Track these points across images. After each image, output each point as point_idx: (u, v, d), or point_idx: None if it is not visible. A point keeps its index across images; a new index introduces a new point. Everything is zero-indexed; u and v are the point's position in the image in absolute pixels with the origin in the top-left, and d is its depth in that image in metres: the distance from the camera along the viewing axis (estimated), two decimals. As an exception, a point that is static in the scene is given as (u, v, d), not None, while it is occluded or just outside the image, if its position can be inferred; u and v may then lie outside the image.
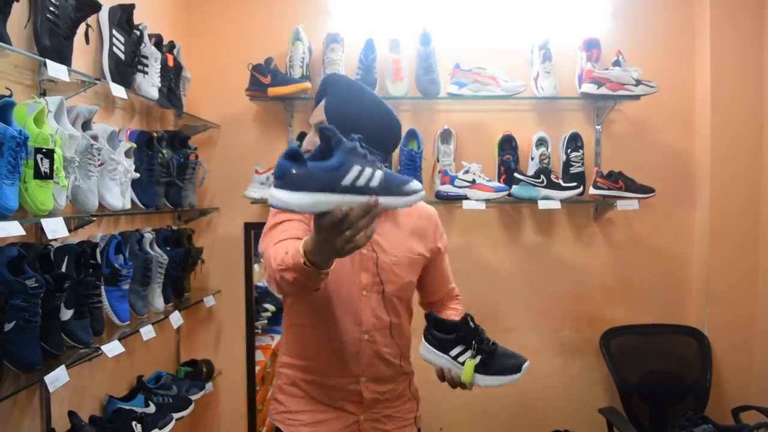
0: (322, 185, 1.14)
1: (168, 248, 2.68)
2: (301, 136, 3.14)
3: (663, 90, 2.98)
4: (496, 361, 1.65)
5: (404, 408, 1.87)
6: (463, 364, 1.64)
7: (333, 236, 1.20)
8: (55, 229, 1.78)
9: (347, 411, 1.78)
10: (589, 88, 2.96)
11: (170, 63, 2.69)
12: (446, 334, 1.69)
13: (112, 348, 2.09)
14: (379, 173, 1.20)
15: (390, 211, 1.70)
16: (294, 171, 1.13)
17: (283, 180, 1.13)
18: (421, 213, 1.86)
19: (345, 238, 1.20)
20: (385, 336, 1.77)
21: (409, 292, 1.86)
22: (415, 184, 1.28)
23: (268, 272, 1.51)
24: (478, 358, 1.63)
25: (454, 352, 1.66)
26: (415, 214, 1.84)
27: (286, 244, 1.48)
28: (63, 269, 1.95)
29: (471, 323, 1.67)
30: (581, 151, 3.08)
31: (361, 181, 1.17)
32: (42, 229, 1.76)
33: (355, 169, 1.17)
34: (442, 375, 1.69)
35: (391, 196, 1.23)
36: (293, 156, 1.14)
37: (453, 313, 1.90)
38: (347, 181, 1.16)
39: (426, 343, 1.70)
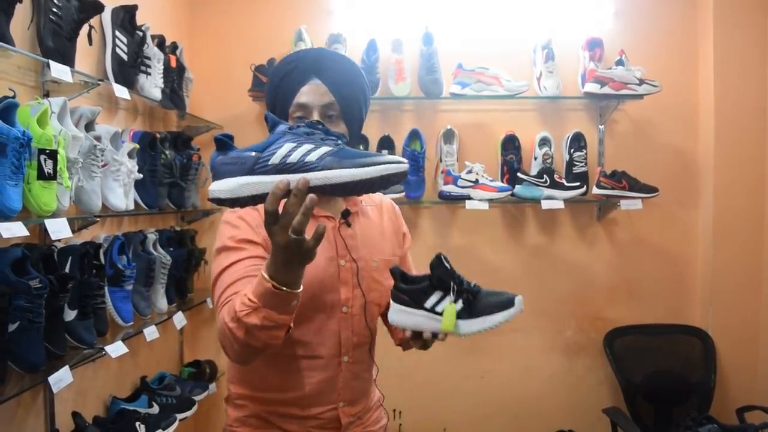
0: (247, 168, 1.08)
1: (171, 249, 2.68)
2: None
3: (666, 89, 2.98)
4: (481, 301, 1.34)
5: (374, 417, 1.70)
6: (441, 313, 1.34)
7: (281, 231, 1.10)
8: (59, 230, 1.78)
9: None
10: (592, 87, 2.95)
11: (173, 64, 2.69)
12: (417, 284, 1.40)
13: (116, 349, 2.09)
14: (324, 149, 1.09)
15: (360, 212, 1.59)
16: (220, 158, 1.09)
17: (213, 172, 1.09)
18: (385, 207, 1.72)
19: (282, 224, 1.10)
20: (364, 353, 1.61)
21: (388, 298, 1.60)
22: (386, 157, 1.11)
23: (222, 335, 1.31)
24: (460, 302, 1.33)
25: (431, 302, 1.35)
26: (384, 210, 1.71)
27: (238, 292, 1.31)
28: (66, 270, 1.95)
29: (446, 263, 1.36)
30: (584, 150, 3.08)
31: (294, 157, 1.08)
32: (45, 229, 1.77)
33: (287, 147, 1.09)
34: (417, 336, 1.39)
35: (339, 169, 1.08)
36: (220, 145, 1.10)
37: None
38: (275, 159, 1.08)
39: (395, 304, 1.39)
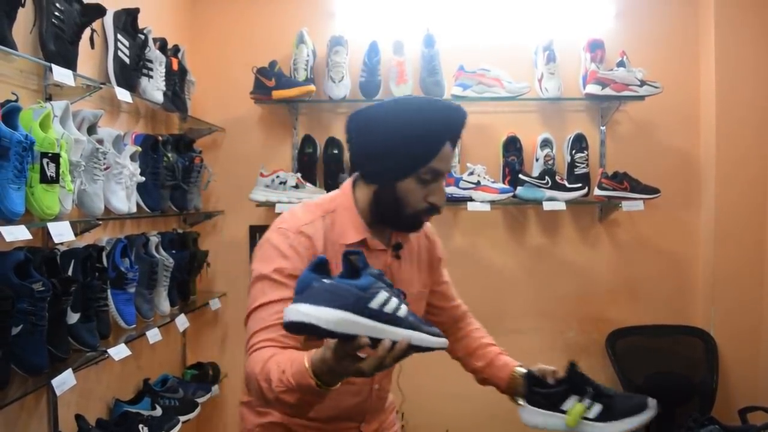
0: (348, 303, 1.05)
1: (173, 251, 2.69)
2: (308, 139, 3.15)
3: (668, 90, 2.98)
4: (617, 405, 1.50)
5: (389, 422, 1.74)
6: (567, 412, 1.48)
7: (352, 362, 1.11)
8: (62, 233, 1.79)
9: None
10: (593, 89, 2.95)
11: (175, 67, 2.70)
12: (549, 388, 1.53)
13: (119, 351, 2.09)
14: (404, 307, 1.12)
15: (405, 254, 1.58)
16: (318, 284, 1.06)
17: (305, 293, 1.05)
18: (422, 234, 1.68)
19: (371, 365, 1.09)
20: (388, 376, 1.66)
21: None
22: (436, 329, 1.16)
23: (252, 381, 1.29)
24: (598, 405, 1.49)
25: (567, 405, 1.50)
26: (422, 237, 1.69)
27: (278, 359, 1.26)
28: (69, 273, 1.96)
29: (580, 371, 1.52)
30: (586, 152, 3.08)
31: (389, 308, 1.09)
32: (48, 233, 1.78)
33: (383, 295, 1.08)
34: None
35: (418, 332, 1.12)
36: (319, 268, 1.08)
37: (479, 335, 1.77)
38: (375, 304, 1.07)
39: (530, 406, 1.51)
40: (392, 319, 1.08)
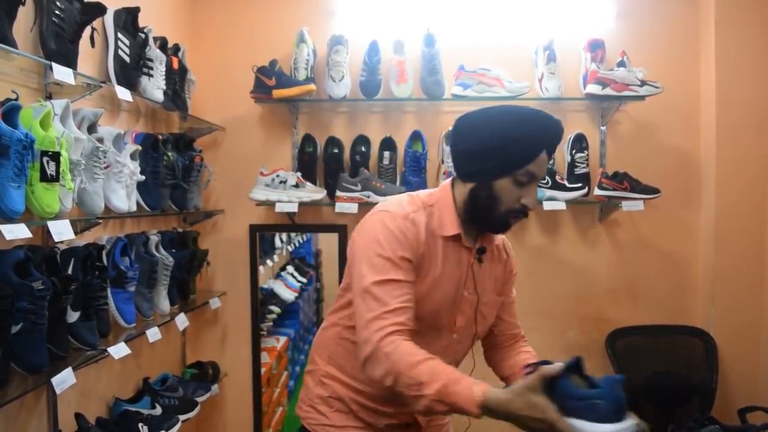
0: (599, 417, 1.29)
1: (173, 250, 2.69)
2: (309, 138, 3.15)
3: (668, 90, 2.98)
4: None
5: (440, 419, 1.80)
6: None
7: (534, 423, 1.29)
8: (62, 232, 1.79)
9: None
10: (593, 88, 2.95)
11: (175, 66, 2.70)
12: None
13: (119, 350, 2.10)
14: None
15: (487, 257, 1.69)
16: (578, 402, 1.27)
17: (566, 403, 1.29)
18: (502, 247, 1.79)
19: None
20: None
21: (487, 332, 1.81)
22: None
23: (390, 371, 1.41)
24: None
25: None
26: (501, 250, 1.79)
27: (433, 368, 1.40)
28: (69, 271, 1.96)
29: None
30: (586, 152, 3.08)
31: None
32: (48, 231, 1.78)
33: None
34: None
35: None
36: (573, 371, 1.32)
37: (528, 357, 1.80)
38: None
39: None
40: None
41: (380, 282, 1.48)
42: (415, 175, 3.00)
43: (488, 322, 1.75)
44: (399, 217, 1.55)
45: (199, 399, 2.77)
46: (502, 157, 1.52)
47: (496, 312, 1.78)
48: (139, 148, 2.34)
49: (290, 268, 3.88)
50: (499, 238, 1.78)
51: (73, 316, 1.95)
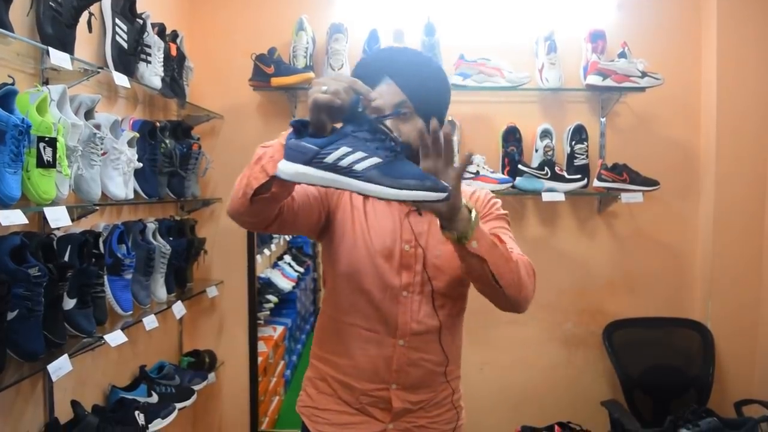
0: (306, 159, 1.18)
1: (171, 238, 2.68)
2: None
3: (669, 82, 2.97)
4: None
5: (442, 418, 1.70)
6: None
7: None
8: (58, 218, 1.77)
9: (374, 417, 1.64)
10: (594, 79, 2.94)
11: (173, 52, 2.68)
12: None
13: (115, 338, 2.09)
14: (373, 160, 1.17)
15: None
16: (292, 142, 1.21)
17: (284, 150, 1.22)
18: (475, 199, 1.65)
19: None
20: (430, 342, 1.62)
21: (461, 288, 1.66)
22: (426, 184, 1.15)
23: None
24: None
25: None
26: (472, 203, 1.62)
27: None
28: (66, 258, 1.95)
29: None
30: (586, 143, 3.07)
31: (345, 162, 1.17)
32: (45, 218, 1.76)
33: (343, 150, 1.17)
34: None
35: (378, 184, 1.16)
36: (294, 128, 1.22)
37: None
38: (330, 158, 1.18)
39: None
40: (346, 172, 1.17)
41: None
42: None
43: (449, 276, 1.60)
44: None
45: (196, 387, 2.77)
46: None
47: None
48: (137, 135, 2.33)
49: (287, 258, 3.88)
50: (468, 189, 1.65)
51: (69, 304, 1.94)
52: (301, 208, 1.52)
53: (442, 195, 1.16)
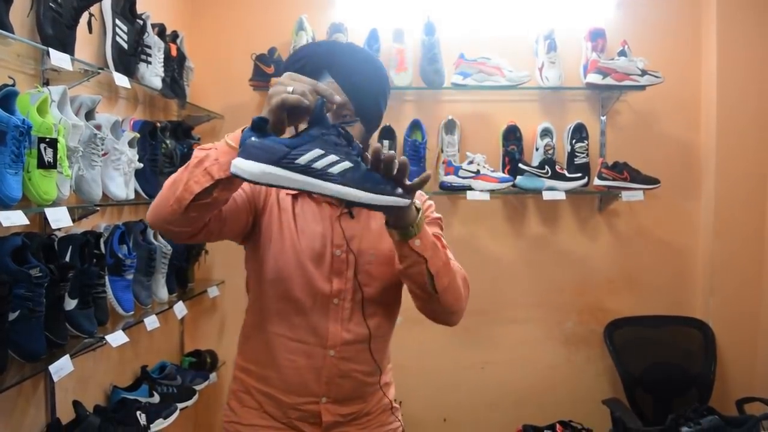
0: (275, 159, 1.13)
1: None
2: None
3: (669, 80, 2.97)
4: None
5: (375, 421, 1.65)
6: None
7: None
8: (59, 219, 1.77)
9: None
10: (594, 78, 2.94)
11: (173, 53, 2.68)
12: None
13: (116, 338, 2.09)
14: (346, 164, 1.16)
15: (365, 210, 1.49)
16: (253, 141, 1.15)
17: (242, 149, 1.15)
18: None
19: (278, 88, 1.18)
20: (361, 352, 1.54)
21: (393, 294, 1.59)
22: (394, 191, 1.19)
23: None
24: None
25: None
26: None
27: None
28: (67, 259, 1.95)
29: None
30: (586, 141, 3.07)
31: (319, 165, 1.14)
32: (46, 218, 1.76)
33: (316, 152, 1.15)
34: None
35: (356, 188, 1.16)
36: (256, 127, 1.16)
37: None
38: (303, 160, 1.14)
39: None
40: (321, 175, 1.15)
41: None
42: (414, 164, 2.98)
43: (381, 282, 1.54)
44: None
45: (197, 387, 2.77)
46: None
47: (393, 271, 1.50)
48: (137, 135, 2.33)
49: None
50: None
51: (70, 304, 1.94)
52: (229, 214, 1.43)
53: (408, 201, 1.22)
